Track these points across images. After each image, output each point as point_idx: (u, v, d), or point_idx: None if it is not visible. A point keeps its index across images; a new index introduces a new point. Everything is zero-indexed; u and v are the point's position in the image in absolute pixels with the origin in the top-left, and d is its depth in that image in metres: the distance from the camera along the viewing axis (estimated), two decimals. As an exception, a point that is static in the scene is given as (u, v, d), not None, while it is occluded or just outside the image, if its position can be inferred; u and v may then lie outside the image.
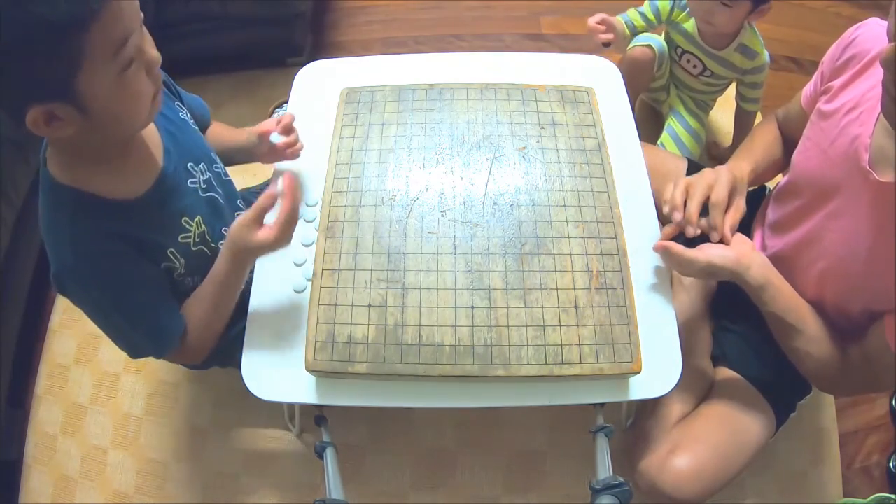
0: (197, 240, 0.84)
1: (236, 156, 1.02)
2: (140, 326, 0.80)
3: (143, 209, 0.76)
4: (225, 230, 0.90)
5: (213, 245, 0.87)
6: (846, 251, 0.78)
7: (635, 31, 1.38)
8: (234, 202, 0.96)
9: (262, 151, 0.98)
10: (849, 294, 0.81)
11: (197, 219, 0.84)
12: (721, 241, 0.84)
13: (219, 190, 0.90)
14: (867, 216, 0.74)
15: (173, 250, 0.81)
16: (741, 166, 0.92)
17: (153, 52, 0.67)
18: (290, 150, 0.97)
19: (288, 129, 0.96)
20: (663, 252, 0.85)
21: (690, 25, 1.34)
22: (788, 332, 0.84)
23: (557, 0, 1.95)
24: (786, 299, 0.84)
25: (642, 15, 1.37)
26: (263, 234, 0.76)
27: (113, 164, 0.73)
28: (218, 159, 0.93)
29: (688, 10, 1.32)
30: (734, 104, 1.47)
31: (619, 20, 1.34)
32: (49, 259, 0.73)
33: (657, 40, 1.40)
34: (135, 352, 0.84)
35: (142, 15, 0.65)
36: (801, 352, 0.85)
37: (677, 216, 0.85)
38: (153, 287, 0.80)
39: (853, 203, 0.76)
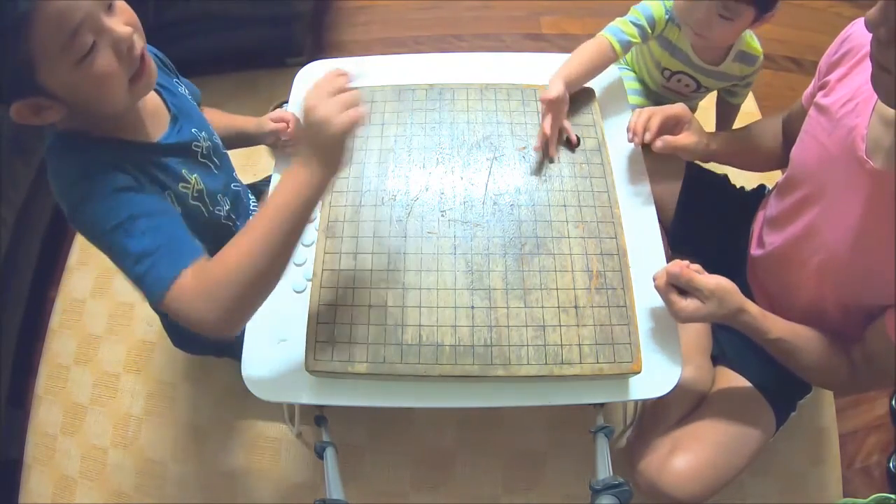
0: (195, 194, 0.83)
1: (238, 141, 1.03)
2: (150, 251, 0.68)
3: (149, 150, 0.77)
4: (221, 197, 0.91)
5: (209, 207, 0.86)
6: (844, 242, 0.78)
7: (629, 47, 1.06)
8: (230, 174, 0.97)
9: (271, 141, 1.03)
10: (848, 287, 0.81)
11: (195, 175, 0.83)
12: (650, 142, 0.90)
13: (215, 160, 0.90)
14: (864, 206, 0.75)
15: (172, 193, 0.78)
16: (721, 134, 0.96)
17: (119, 30, 0.64)
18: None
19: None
20: (673, 280, 0.80)
21: (684, 44, 1.14)
22: (794, 353, 0.85)
23: (557, 0, 1.95)
24: (782, 324, 0.85)
25: (637, 26, 1.07)
26: (324, 101, 0.65)
27: (119, 128, 0.75)
28: (215, 132, 0.94)
29: (679, 24, 1.09)
30: (713, 99, 1.34)
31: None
32: (62, 202, 0.71)
33: (648, 99, 1.28)
34: (147, 285, 0.68)
35: None
36: (812, 368, 0.85)
37: (629, 135, 0.92)
38: (165, 214, 0.72)
39: (850, 194, 0.76)
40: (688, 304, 0.80)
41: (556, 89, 0.92)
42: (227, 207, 0.94)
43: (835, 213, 0.80)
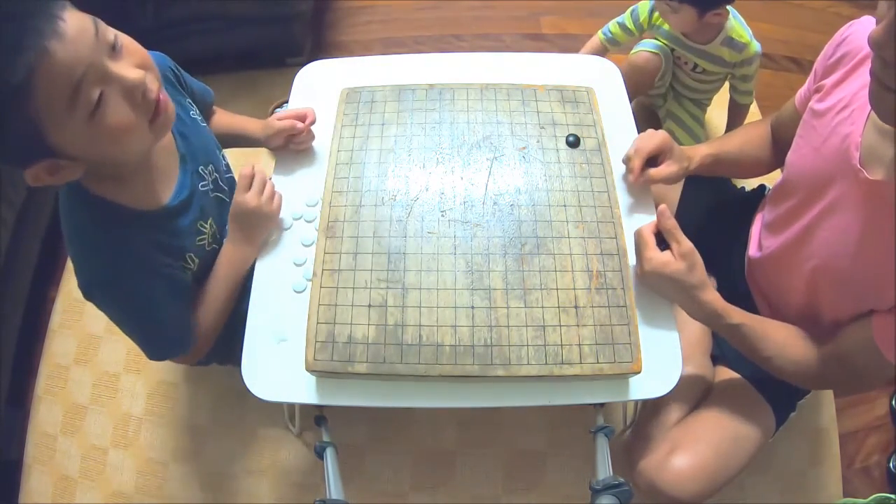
0: (210, 240, 0.86)
1: (239, 143, 1.02)
2: (160, 333, 0.83)
3: (166, 218, 0.78)
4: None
5: (223, 242, 0.89)
6: (837, 249, 0.78)
7: (615, 43, 1.38)
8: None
9: (278, 143, 0.97)
10: (841, 293, 0.81)
11: (209, 220, 0.86)
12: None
13: (224, 188, 0.91)
14: (858, 214, 0.74)
15: (191, 254, 0.83)
16: (700, 148, 0.96)
17: (129, 77, 0.60)
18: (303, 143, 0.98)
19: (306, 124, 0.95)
20: (661, 222, 0.83)
21: (669, 26, 1.32)
22: (756, 341, 0.84)
23: (557, 0, 1.95)
24: (744, 313, 0.84)
25: (622, 25, 1.37)
26: (255, 197, 0.84)
27: (133, 176, 0.73)
28: (220, 156, 0.94)
29: None
30: (722, 101, 1.46)
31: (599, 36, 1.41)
32: (75, 270, 0.74)
33: (665, 48, 1.37)
34: (156, 355, 0.87)
35: (101, 35, 0.59)
36: (775, 357, 0.84)
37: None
38: (177, 295, 0.82)
39: (844, 201, 0.76)
40: (659, 254, 0.81)
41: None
42: None
43: (829, 220, 0.79)
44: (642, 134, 0.93)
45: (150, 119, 0.64)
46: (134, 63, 0.62)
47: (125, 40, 0.63)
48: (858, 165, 0.72)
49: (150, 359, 0.87)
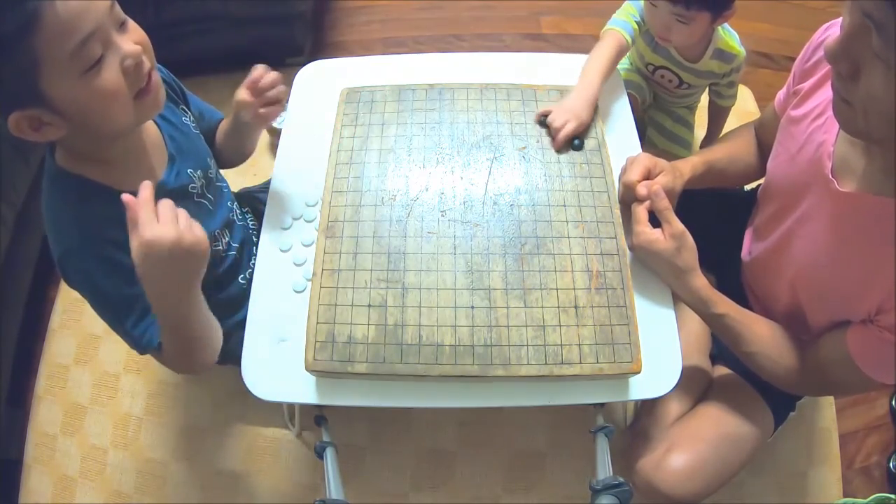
0: None
1: (237, 135, 0.97)
2: (140, 316, 0.77)
3: None
4: (218, 233, 0.91)
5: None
6: (811, 258, 0.78)
7: (634, 37, 1.16)
8: (224, 205, 0.96)
9: (249, 118, 0.92)
10: (817, 302, 0.80)
11: None
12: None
13: (209, 196, 0.90)
14: (830, 225, 0.74)
15: None
16: (690, 160, 0.95)
17: (128, 48, 0.64)
18: (266, 111, 0.92)
19: (261, 90, 0.92)
20: (655, 200, 0.82)
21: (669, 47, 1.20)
22: (738, 334, 0.84)
23: (557, 0, 1.95)
24: (731, 303, 0.84)
25: (638, 23, 1.17)
26: (171, 226, 0.65)
27: (117, 161, 0.74)
28: (212, 164, 0.93)
29: None
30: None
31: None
32: (51, 245, 0.73)
33: (640, 85, 1.31)
34: (137, 344, 0.78)
35: (115, 10, 0.63)
36: (756, 353, 0.84)
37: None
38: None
39: (818, 211, 0.76)
40: (649, 230, 0.82)
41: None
42: (227, 239, 0.94)
43: (804, 229, 0.79)
44: (623, 166, 0.89)
45: (137, 93, 0.67)
46: (133, 40, 0.67)
47: (132, 24, 0.68)
48: (830, 175, 0.71)
49: (135, 350, 0.79)
